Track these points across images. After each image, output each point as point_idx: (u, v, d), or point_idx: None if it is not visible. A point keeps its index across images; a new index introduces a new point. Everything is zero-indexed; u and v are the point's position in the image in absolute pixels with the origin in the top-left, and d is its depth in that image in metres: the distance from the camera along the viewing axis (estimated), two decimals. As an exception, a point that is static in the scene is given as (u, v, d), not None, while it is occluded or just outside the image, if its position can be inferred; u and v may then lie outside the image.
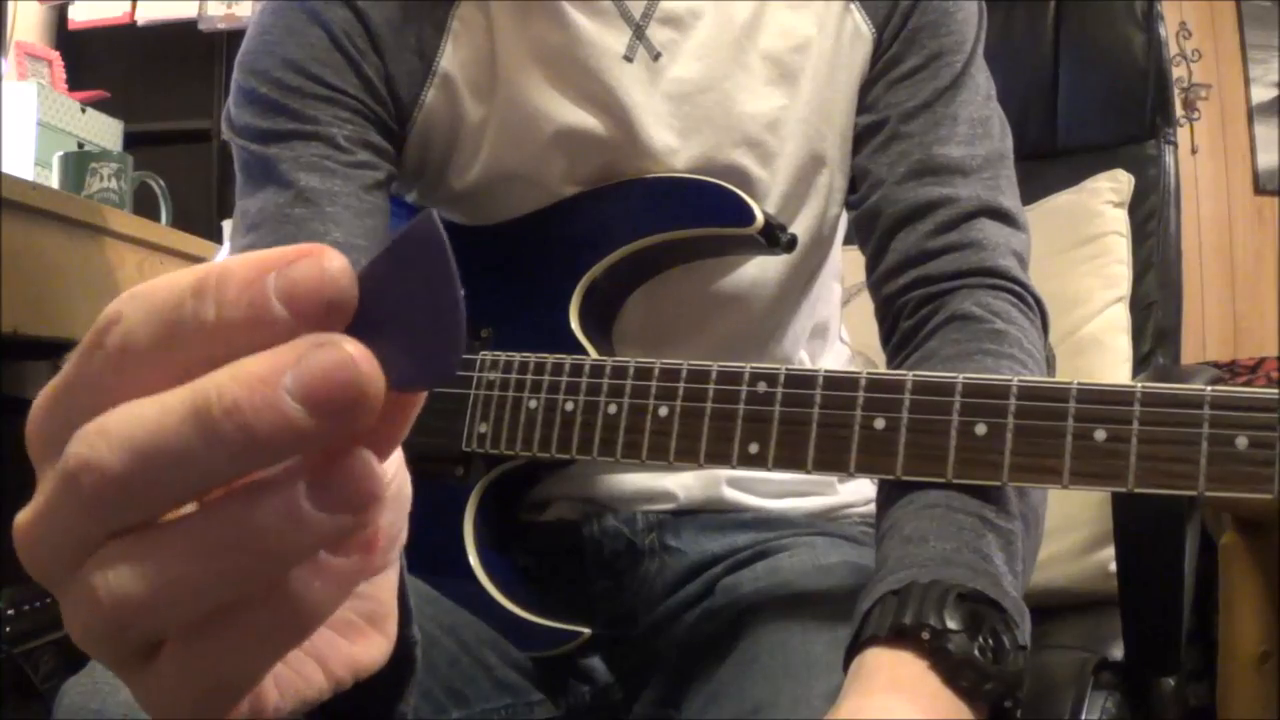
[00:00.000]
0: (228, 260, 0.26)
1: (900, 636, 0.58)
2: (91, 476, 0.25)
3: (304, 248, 0.26)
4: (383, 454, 0.28)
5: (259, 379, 0.25)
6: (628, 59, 0.83)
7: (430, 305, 0.26)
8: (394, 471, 0.32)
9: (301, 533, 0.26)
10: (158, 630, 0.27)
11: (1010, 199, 0.82)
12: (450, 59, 0.84)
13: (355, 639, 0.35)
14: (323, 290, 0.25)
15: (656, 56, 0.83)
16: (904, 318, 0.80)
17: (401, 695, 0.45)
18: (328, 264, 0.25)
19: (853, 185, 0.87)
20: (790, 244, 0.83)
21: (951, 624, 0.58)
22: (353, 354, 0.25)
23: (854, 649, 0.61)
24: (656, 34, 0.84)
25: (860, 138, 0.86)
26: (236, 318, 0.25)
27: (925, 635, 0.58)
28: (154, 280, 0.26)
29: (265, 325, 0.25)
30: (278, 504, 0.26)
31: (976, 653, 0.57)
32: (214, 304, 0.25)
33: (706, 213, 0.82)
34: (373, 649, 0.36)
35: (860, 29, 0.85)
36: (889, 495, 0.70)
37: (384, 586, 0.36)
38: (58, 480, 0.26)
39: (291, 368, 0.25)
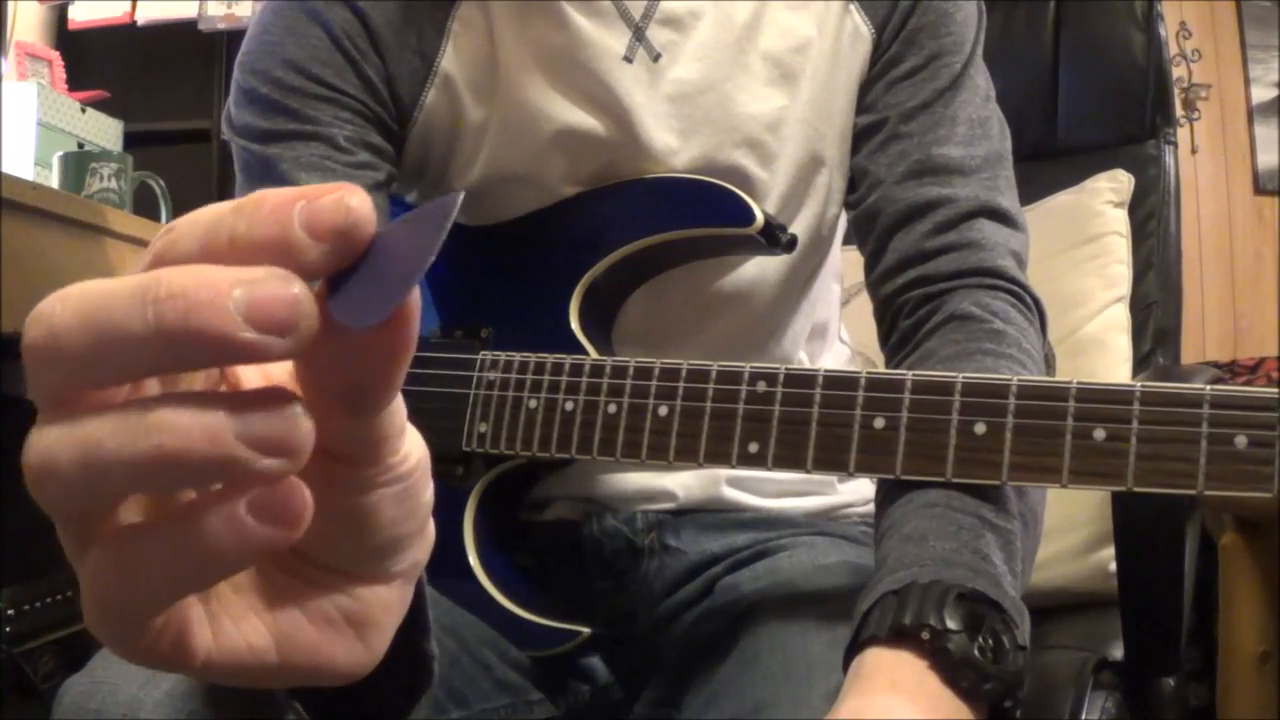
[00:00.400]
0: (266, 190, 0.28)
1: (900, 637, 0.59)
2: (39, 331, 0.27)
3: (334, 185, 0.28)
4: (374, 400, 0.30)
5: (211, 280, 0.26)
6: (627, 60, 0.83)
7: (403, 262, 0.28)
8: (408, 464, 0.33)
9: (215, 447, 0.27)
10: (81, 507, 0.29)
11: (1009, 199, 0.82)
12: (451, 60, 0.84)
13: (326, 632, 0.34)
14: (337, 219, 0.28)
15: (656, 57, 0.83)
16: (903, 317, 0.80)
17: (412, 707, 0.45)
18: (349, 199, 0.28)
19: (851, 185, 0.87)
20: (790, 244, 0.83)
21: (951, 624, 0.58)
22: (298, 294, 0.27)
23: (853, 649, 0.61)
24: (657, 35, 0.84)
25: (859, 138, 0.86)
26: (263, 234, 0.28)
27: (925, 635, 0.58)
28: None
29: (285, 244, 0.27)
30: (208, 419, 0.27)
31: (976, 653, 0.58)
32: (248, 220, 0.28)
33: (707, 213, 0.82)
34: (347, 652, 0.35)
35: (860, 29, 0.85)
36: (888, 494, 0.70)
37: (381, 597, 0.35)
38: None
39: (245, 285, 0.26)
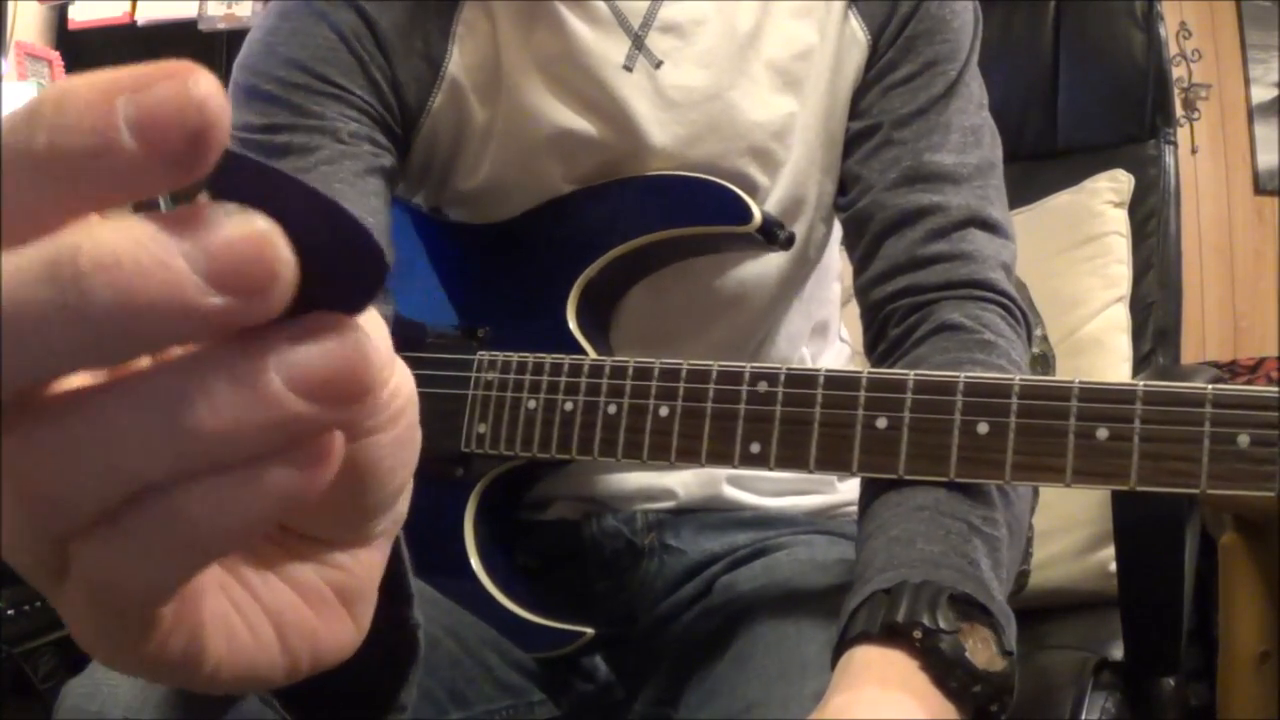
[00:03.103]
0: (73, 79, 0.21)
1: (891, 635, 0.59)
2: None
3: (167, 66, 0.20)
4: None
5: (146, 237, 0.20)
6: (627, 69, 0.83)
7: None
8: (402, 399, 0.27)
9: (259, 414, 0.22)
10: (59, 529, 0.23)
11: (999, 209, 0.82)
12: (457, 64, 0.83)
13: (321, 613, 0.30)
14: (184, 116, 0.20)
15: (658, 65, 0.83)
16: (892, 325, 0.80)
17: (404, 683, 0.42)
18: (193, 85, 0.20)
19: (841, 189, 0.87)
20: (788, 241, 0.83)
21: (944, 624, 0.58)
22: (266, 231, 0.21)
23: (841, 646, 0.61)
24: (658, 42, 0.83)
25: (851, 142, 0.86)
26: (73, 147, 0.20)
27: (917, 635, 0.58)
28: None
29: (109, 160, 0.20)
30: (228, 375, 0.22)
31: (967, 654, 0.58)
32: (47, 130, 0.20)
33: (704, 211, 0.82)
34: (338, 632, 0.30)
35: (856, 34, 0.85)
36: (874, 496, 0.70)
37: (364, 562, 0.30)
38: None
39: (194, 231, 0.20)
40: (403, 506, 0.30)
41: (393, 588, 0.36)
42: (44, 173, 0.20)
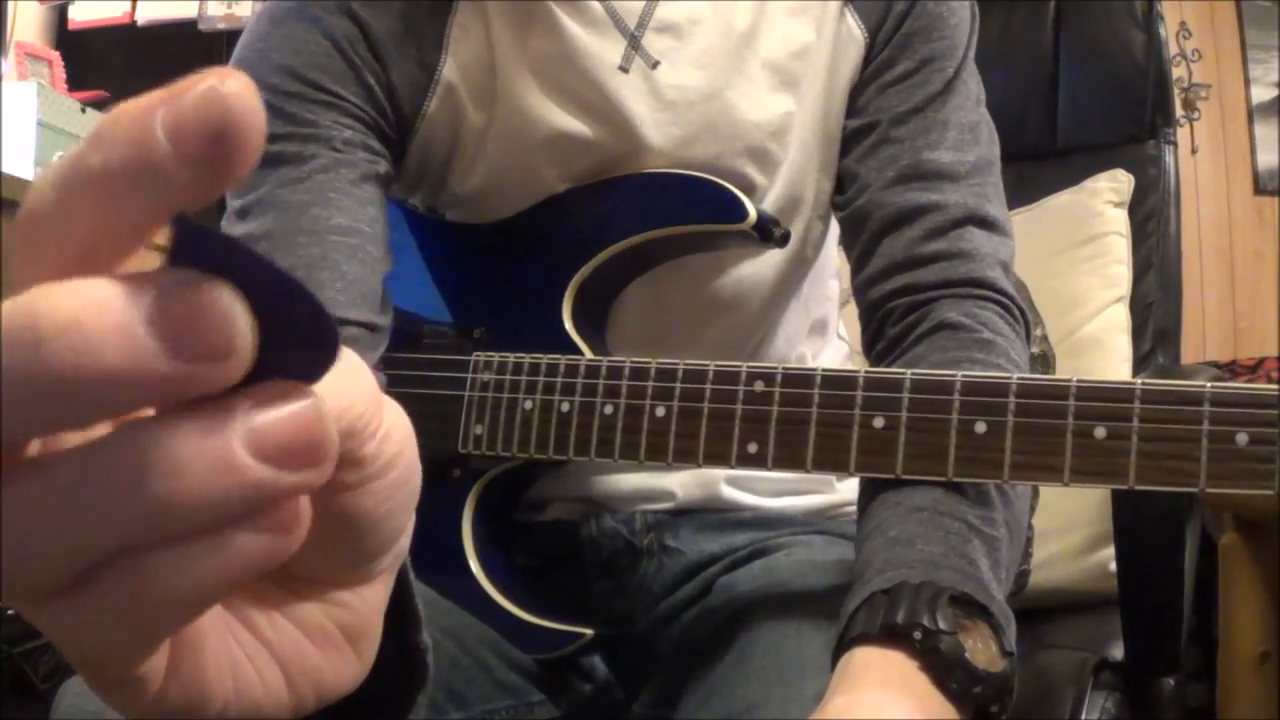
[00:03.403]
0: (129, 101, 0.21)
1: (891, 636, 0.59)
2: None
3: (205, 71, 0.21)
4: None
5: (103, 302, 0.20)
6: (623, 70, 0.82)
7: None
8: (395, 444, 0.27)
9: (219, 480, 0.22)
10: (25, 590, 0.23)
11: (997, 207, 0.82)
12: (451, 68, 0.83)
13: (327, 651, 0.30)
14: (209, 114, 0.20)
15: (655, 65, 0.83)
16: (890, 324, 0.80)
17: (409, 707, 0.42)
18: (219, 85, 0.20)
19: (838, 187, 0.87)
20: (784, 239, 0.83)
21: (944, 625, 0.58)
22: (226, 295, 0.21)
23: (841, 647, 0.61)
24: (654, 42, 0.83)
25: (849, 140, 0.85)
26: (120, 160, 0.21)
27: (917, 635, 0.58)
28: None
29: (150, 168, 0.20)
30: (192, 441, 0.22)
31: (968, 655, 0.57)
32: (106, 147, 0.21)
33: (699, 209, 0.82)
34: (342, 669, 0.30)
35: (853, 32, 0.85)
36: (873, 496, 0.70)
37: (367, 599, 0.30)
38: None
39: (151, 300, 0.20)
40: (405, 543, 0.30)
41: (397, 611, 0.35)
42: (99, 191, 0.21)
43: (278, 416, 0.22)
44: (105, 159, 0.21)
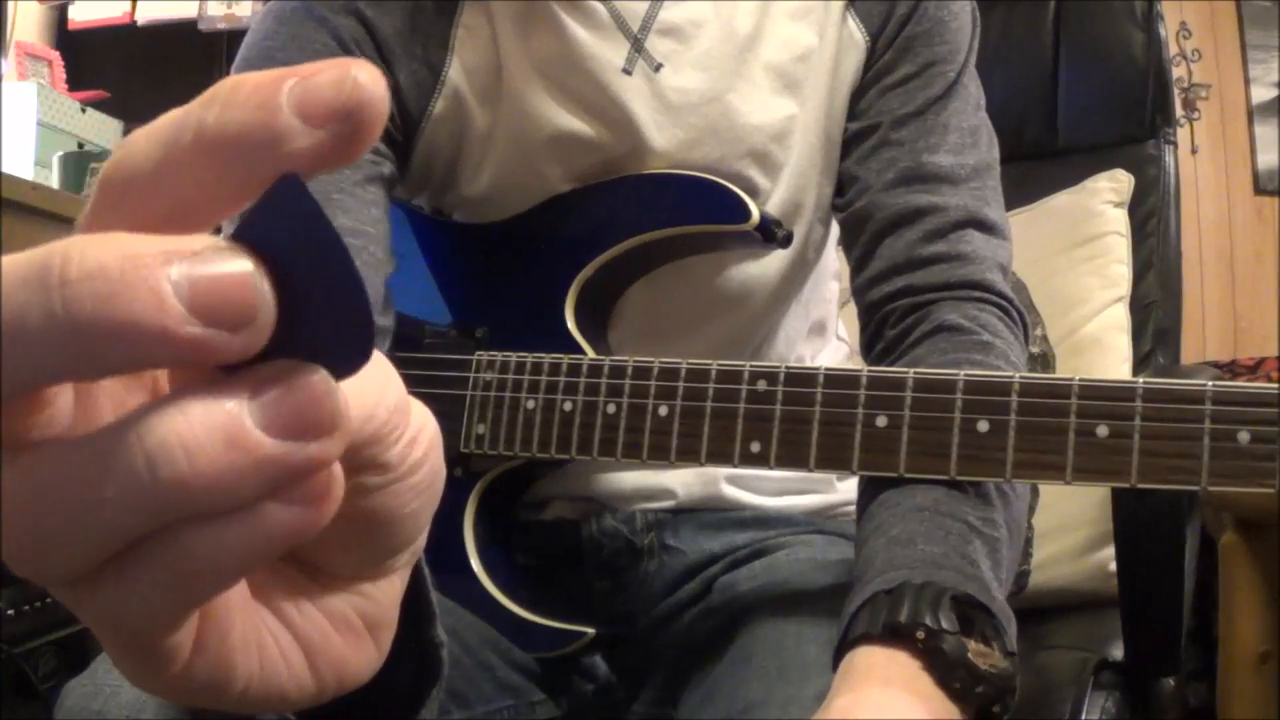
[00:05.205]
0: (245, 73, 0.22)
1: (893, 636, 0.59)
2: None
3: (335, 60, 0.22)
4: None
5: (134, 254, 0.20)
6: (626, 72, 0.82)
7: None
8: (422, 449, 0.27)
9: (233, 457, 0.22)
10: (55, 576, 0.23)
11: (996, 210, 0.82)
12: (457, 69, 0.83)
13: (349, 639, 0.30)
14: (340, 89, 0.21)
15: (658, 68, 0.83)
16: (889, 326, 0.80)
17: (424, 702, 0.42)
18: (354, 69, 0.22)
19: (839, 189, 0.87)
20: (786, 239, 0.83)
21: (946, 624, 0.58)
22: (250, 272, 0.21)
23: (843, 648, 0.61)
24: (657, 45, 0.83)
25: (850, 142, 0.86)
26: (239, 122, 0.21)
27: (920, 635, 0.58)
28: None
29: (270, 132, 0.21)
30: (205, 418, 0.22)
31: (970, 655, 0.58)
32: (220, 108, 0.22)
33: (702, 209, 0.82)
34: (362, 657, 0.31)
35: (855, 35, 0.85)
36: (873, 497, 0.70)
37: (386, 591, 0.31)
38: None
39: (184, 259, 0.21)
40: (423, 540, 0.31)
41: (412, 604, 0.36)
42: (210, 149, 0.21)
43: (287, 390, 0.23)
44: (223, 119, 0.21)
